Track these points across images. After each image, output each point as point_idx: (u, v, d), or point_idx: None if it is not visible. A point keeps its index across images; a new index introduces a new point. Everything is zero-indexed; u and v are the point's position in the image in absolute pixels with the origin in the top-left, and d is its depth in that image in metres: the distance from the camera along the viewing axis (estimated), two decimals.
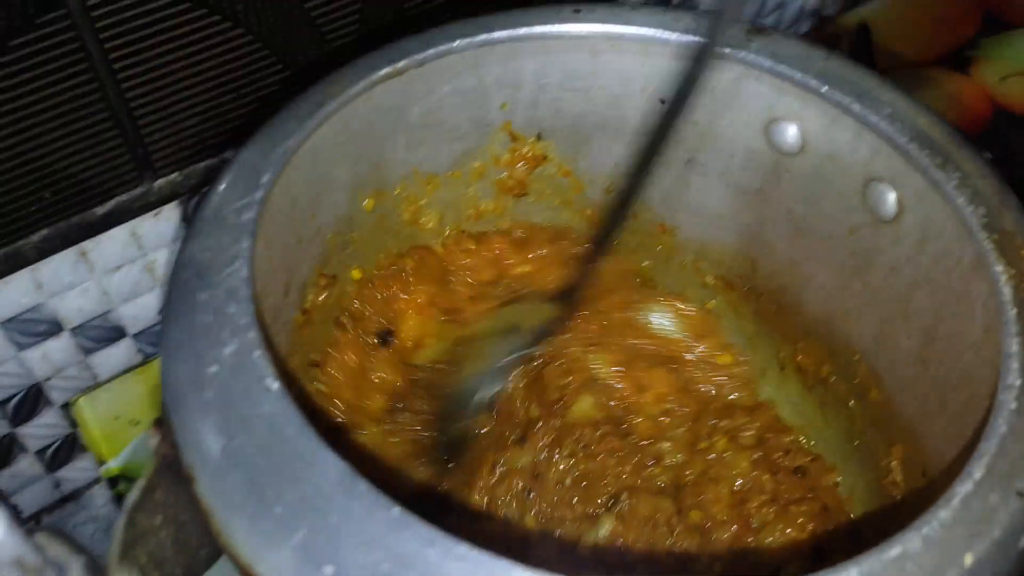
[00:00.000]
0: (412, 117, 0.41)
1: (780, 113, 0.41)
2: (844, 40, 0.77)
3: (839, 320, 0.44)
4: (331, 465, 0.27)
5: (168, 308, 0.31)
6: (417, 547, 0.25)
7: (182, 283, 0.31)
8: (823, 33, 0.78)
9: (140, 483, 0.29)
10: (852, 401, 0.46)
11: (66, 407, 0.60)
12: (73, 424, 0.61)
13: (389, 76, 0.38)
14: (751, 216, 0.45)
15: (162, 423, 0.30)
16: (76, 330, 0.58)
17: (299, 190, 0.38)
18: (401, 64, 0.38)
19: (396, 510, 0.26)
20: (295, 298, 0.41)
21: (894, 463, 0.43)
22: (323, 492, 0.26)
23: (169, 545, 0.30)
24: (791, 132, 0.41)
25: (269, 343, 0.31)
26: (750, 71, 0.40)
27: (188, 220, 0.58)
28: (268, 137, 0.35)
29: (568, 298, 0.45)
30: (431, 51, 0.38)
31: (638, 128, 0.45)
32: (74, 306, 0.56)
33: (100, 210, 0.55)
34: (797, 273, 0.45)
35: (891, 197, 0.38)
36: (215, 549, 0.32)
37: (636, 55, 0.41)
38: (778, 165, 0.42)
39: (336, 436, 0.44)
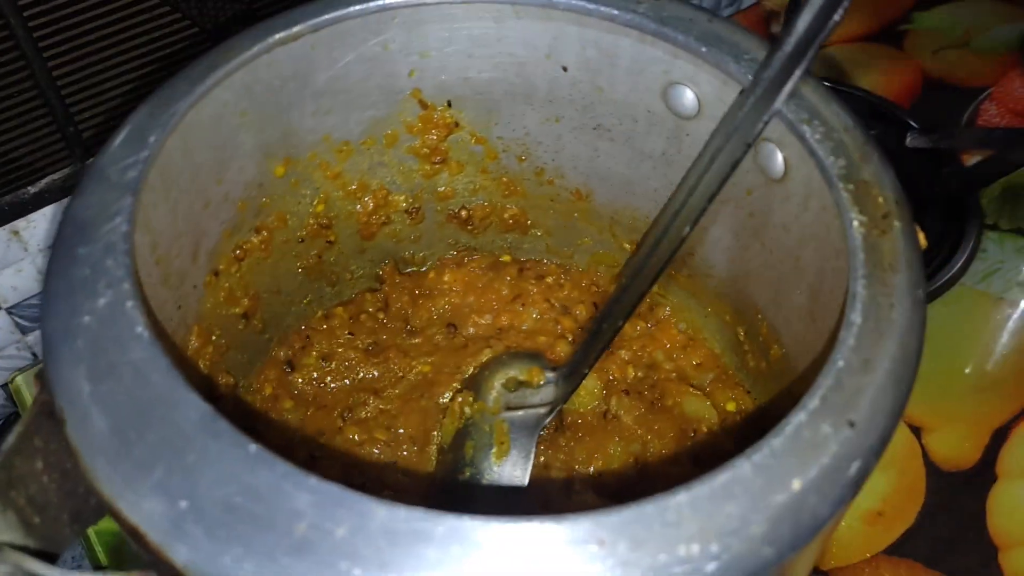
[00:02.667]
0: (318, 84, 0.42)
1: (676, 77, 0.41)
2: (780, 15, 0.78)
3: (742, 281, 0.45)
4: (193, 407, 0.28)
5: (49, 264, 0.32)
6: (271, 481, 0.26)
7: (64, 239, 0.32)
8: (762, 9, 0.79)
9: (17, 429, 0.30)
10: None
11: (6, 387, 0.61)
12: (14, 403, 0.62)
13: (284, 41, 0.38)
14: (658, 181, 0.46)
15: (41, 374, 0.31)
16: (12, 309, 0.58)
17: (202, 155, 0.39)
18: (296, 29, 0.38)
19: (253, 447, 0.27)
20: (204, 262, 0.42)
21: None
22: (184, 433, 0.27)
23: (53, 491, 0.31)
24: (688, 96, 0.41)
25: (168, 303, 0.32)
26: (644, 37, 0.40)
27: None
28: (160, 99, 0.36)
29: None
30: (326, 16, 0.39)
31: (547, 96, 0.46)
32: (9, 284, 0.57)
33: (32, 189, 0.55)
34: (705, 237, 0.46)
35: (779, 156, 0.39)
36: None
37: (538, 20, 0.42)
38: (678, 129, 0.43)
39: None
